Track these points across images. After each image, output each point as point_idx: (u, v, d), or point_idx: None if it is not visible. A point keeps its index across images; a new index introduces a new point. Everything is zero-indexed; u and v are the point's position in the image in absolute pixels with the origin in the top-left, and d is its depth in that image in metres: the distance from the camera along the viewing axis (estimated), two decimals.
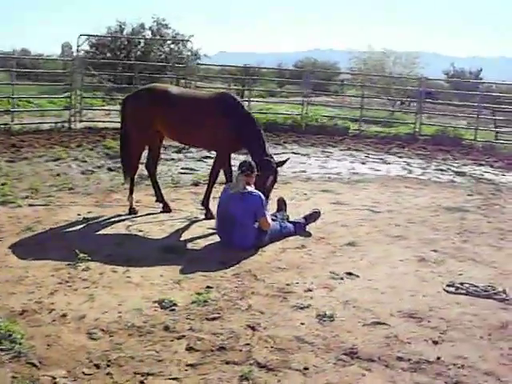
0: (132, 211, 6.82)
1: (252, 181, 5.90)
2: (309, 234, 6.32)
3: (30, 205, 6.94)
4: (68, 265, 5.07)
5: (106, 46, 22.78)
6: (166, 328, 4.00)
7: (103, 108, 16.11)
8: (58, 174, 8.75)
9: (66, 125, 13.05)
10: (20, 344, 3.63)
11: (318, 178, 9.64)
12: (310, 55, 45.56)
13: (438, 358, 3.72)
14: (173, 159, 10.57)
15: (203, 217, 6.77)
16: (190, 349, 3.74)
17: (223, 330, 3.99)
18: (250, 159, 6.30)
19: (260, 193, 5.84)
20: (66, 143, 11.27)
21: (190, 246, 5.87)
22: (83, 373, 3.41)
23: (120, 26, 24.05)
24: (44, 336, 3.82)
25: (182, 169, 9.72)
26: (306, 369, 3.54)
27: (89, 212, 6.76)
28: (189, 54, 20.64)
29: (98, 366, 3.48)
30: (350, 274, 5.18)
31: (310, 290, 4.77)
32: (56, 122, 13.09)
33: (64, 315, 4.13)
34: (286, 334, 3.98)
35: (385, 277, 5.17)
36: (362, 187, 9.10)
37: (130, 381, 3.34)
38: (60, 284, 4.69)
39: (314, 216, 6.53)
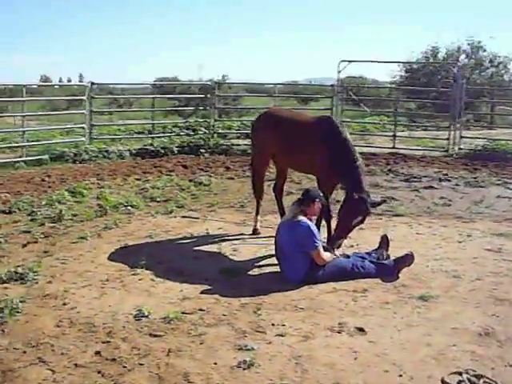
0: (255, 232, 7.04)
1: (311, 212, 5.52)
2: (393, 279, 5.50)
3: (183, 216, 7.89)
4: (131, 268, 5.78)
5: (418, 72, 22.46)
6: (109, 333, 4.36)
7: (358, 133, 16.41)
8: None
9: None
10: (10, 315, 4.59)
11: None
12: None
13: None
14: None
15: None
16: (97, 353, 4.04)
17: (145, 347, 4.13)
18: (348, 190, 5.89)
19: (309, 222, 5.41)
20: None
21: (253, 270, 5.83)
22: (14, 347, 4.11)
23: (433, 51, 23.24)
24: (33, 315, 4.66)
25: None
26: None
27: (219, 228, 7.32)
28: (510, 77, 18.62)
29: (27, 345, 4.14)
30: (360, 329, 4.44)
31: (282, 336, 4.33)
32: None
33: (64, 304, 4.91)
34: (185, 367, 3.84)
35: (394, 343, 4.23)
36: None
37: (21, 361, 3.92)
38: (100, 281, 5.46)
39: (405, 259, 5.65)
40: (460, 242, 6.79)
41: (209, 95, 13.82)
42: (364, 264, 5.57)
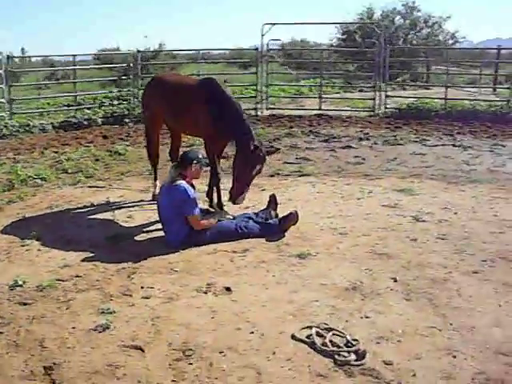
0: (154, 197, 6.99)
1: (190, 175, 5.51)
2: (278, 239, 5.55)
3: (89, 186, 7.83)
4: (21, 239, 5.71)
5: (355, 33, 22.45)
6: None
7: (290, 96, 16.63)
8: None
9: (253, 112, 13.71)
10: None
11: (429, 175, 8.11)
12: None
13: None
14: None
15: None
16: None
17: (10, 315, 4.13)
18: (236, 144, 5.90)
19: (186, 186, 5.39)
20: None
21: (141, 235, 5.82)
22: None
23: (368, 12, 23.29)
24: None
25: (297, 159, 9.29)
26: None
27: (120, 196, 7.29)
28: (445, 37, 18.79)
29: None
30: (227, 289, 4.49)
31: (147, 298, 4.37)
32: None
33: None
34: (43, 333, 3.86)
35: (256, 301, 4.27)
36: (466, 188, 7.38)
37: None
38: None
39: (290, 218, 5.70)
40: (359, 199, 6.91)
41: (131, 64, 13.60)
42: (248, 224, 5.61)
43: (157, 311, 4.14)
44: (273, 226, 5.67)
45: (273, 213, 5.91)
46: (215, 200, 6.47)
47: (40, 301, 4.35)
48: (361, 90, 17.60)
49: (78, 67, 14.63)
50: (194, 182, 5.77)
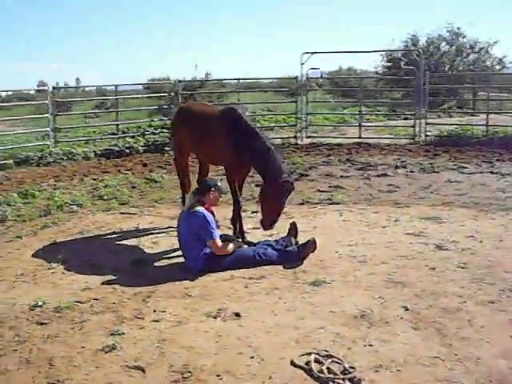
0: None
1: (208, 201, 5.63)
2: (296, 266, 5.58)
3: (121, 213, 8.07)
4: (49, 263, 5.97)
5: (400, 61, 22.31)
6: (0, 323, 4.54)
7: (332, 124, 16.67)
8: None
9: (293, 140, 13.81)
10: None
11: (461, 203, 7.96)
12: None
13: None
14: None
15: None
16: None
17: (26, 334, 4.33)
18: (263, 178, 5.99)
19: (205, 212, 5.50)
20: None
21: (163, 261, 5.97)
22: None
23: (412, 39, 23.14)
24: None
25: (330, 187, 9.30)
26: None
27: (150, 222, 7.48)
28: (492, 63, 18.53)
29: None
30: (236, 314, 4.55)
31: (157, 321, 4.48)
32: (283, 138, 13.95)
33: None
34: (53, 352, 4.01)
35: (263, 326, 4.31)
36: (496, 216, 7.20)
37: None
38: (15, 276, 5.67)
39: (308, 246, 5.73)
40: (384, 227, 6.84)
41: (172, 93, 14.05)
42: (266, 251, 5.66)
43: (164, 334, 4.23)
44: (291, 254, 5.70)
45: (293, 240, 5.95)
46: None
47: (56, 321, 4.53)
48: (406, 118, 17.48)
49: (120, 97, 15.24)
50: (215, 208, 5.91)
